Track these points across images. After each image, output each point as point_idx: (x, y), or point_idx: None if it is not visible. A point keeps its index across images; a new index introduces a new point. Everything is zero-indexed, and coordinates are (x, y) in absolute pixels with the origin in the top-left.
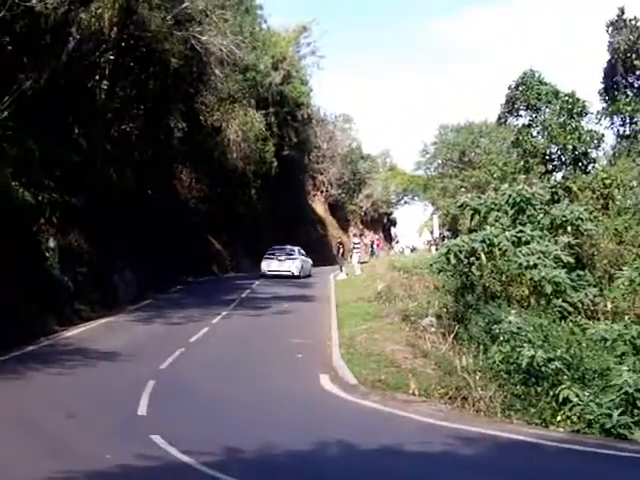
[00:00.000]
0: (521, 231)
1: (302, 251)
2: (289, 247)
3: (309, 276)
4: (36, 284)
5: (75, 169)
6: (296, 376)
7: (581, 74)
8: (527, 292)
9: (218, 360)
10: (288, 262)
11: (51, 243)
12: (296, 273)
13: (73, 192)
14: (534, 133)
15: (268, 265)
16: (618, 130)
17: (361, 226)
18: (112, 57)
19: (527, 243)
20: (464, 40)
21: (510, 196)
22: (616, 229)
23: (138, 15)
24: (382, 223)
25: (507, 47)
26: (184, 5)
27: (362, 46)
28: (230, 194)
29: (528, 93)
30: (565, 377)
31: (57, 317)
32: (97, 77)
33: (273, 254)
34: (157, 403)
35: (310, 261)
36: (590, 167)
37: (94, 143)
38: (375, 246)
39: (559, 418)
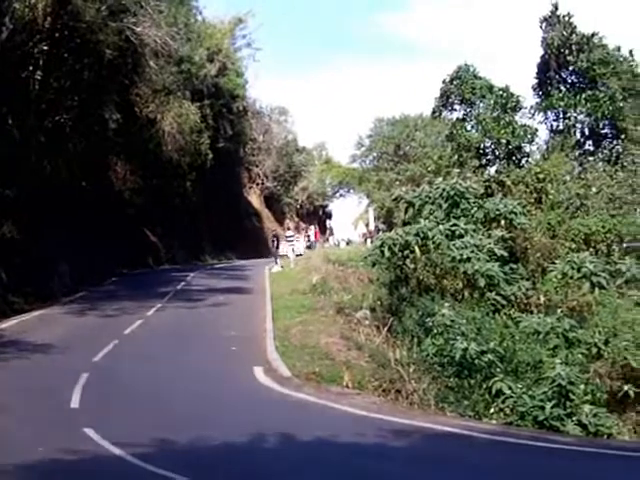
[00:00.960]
0: (455, 224)
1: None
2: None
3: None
4: None
5: (8, 160)
6: (230, 369)
7: (516, 69)
8: (461, 285)
9: (152, 353)
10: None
11: None
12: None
13: (6, 183)
14: (468, 127)
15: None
16: (551, 125)
17: (297, 219)
18: (46, 48)
19: (461, 237)
20: (402, 34)
21: (444, 190)
22: (549, 223)
23: (72, 5)
24: (318, 216)
25: (447, 42)
26: None
27: (299, 38)
28: (165, 186)
29: (462, 87)
30: (498, 370)
31: None
32: (31, 68)
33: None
34: (90, 396)
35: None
36: (524, 161)
37: (28, 134)
38: (313, 238)
39: (492, 410)
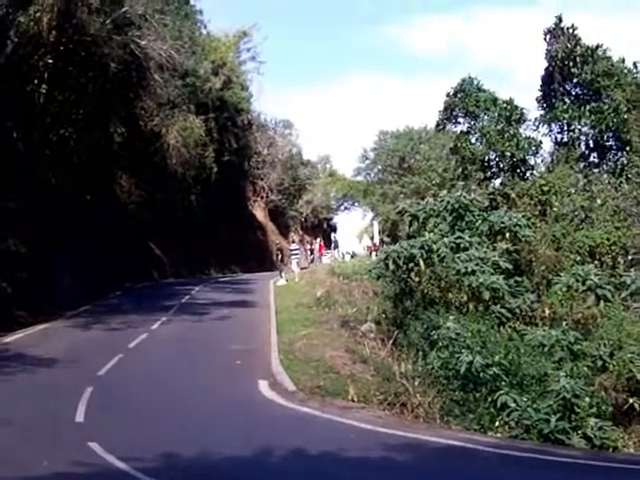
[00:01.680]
0: (459, 237)
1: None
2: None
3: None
4: None
5: (13, 174)
6: (235, 382)
7: (520, 81)
8: (466, 298)
9: (157, 366)
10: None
11: None
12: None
13: (11, 197)
14: (473, 140)
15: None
16: (556, 137)
17: (301, 232)
18: (51, 61)
19: (465, 249)
20: (407, 47)
21: (449, 202)
22: (554, 235)
23: (77, 19)
24: (322, 229)
25: (451, 54)
26: (123, 9)
27: (303, 51)
28: (170, 199)
29: (466, 100)
30: (503, 383)
31: None
32: (36, 81)
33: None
34: (95, 410)
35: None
36: (528, 174)
37: (33, 148)
38: (317, 252)
39: (497, 424)
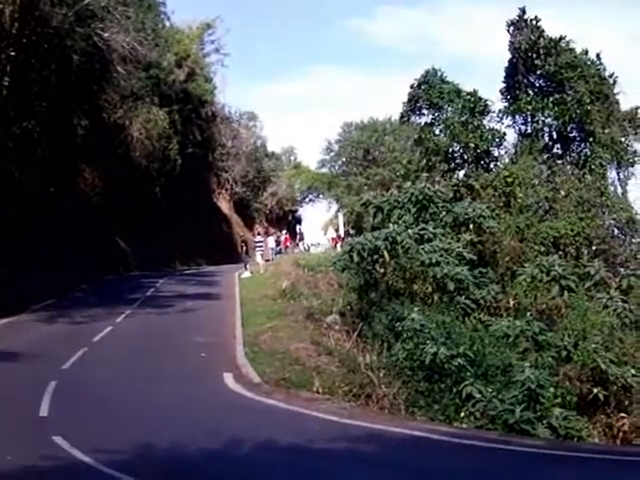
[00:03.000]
0: (424, 229)
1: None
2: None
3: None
4: None
5: None
6: (200, 375)
7: (485, 73)
8: (430, 289)
9: (122, 360)
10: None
11: None
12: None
13: None
14: (437, 131)
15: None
16: (519, 129)
17: (266, 224)
18: (13, 53)
19: (430, 241)
20: (371, 39)
21: (413, 194)
22: (518, 227)
23: (40, 11)
24: (287, 221)
25: (415, 47)
26: (86, 1)
27: (267, 43)
28: (134, 192)
29: (430, 92)
30: (468, 373)
31: None
32: None
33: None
34: (59, 404)
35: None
36: (492, 165)
37: None
38: (282, 244)
39: (462, 414)
